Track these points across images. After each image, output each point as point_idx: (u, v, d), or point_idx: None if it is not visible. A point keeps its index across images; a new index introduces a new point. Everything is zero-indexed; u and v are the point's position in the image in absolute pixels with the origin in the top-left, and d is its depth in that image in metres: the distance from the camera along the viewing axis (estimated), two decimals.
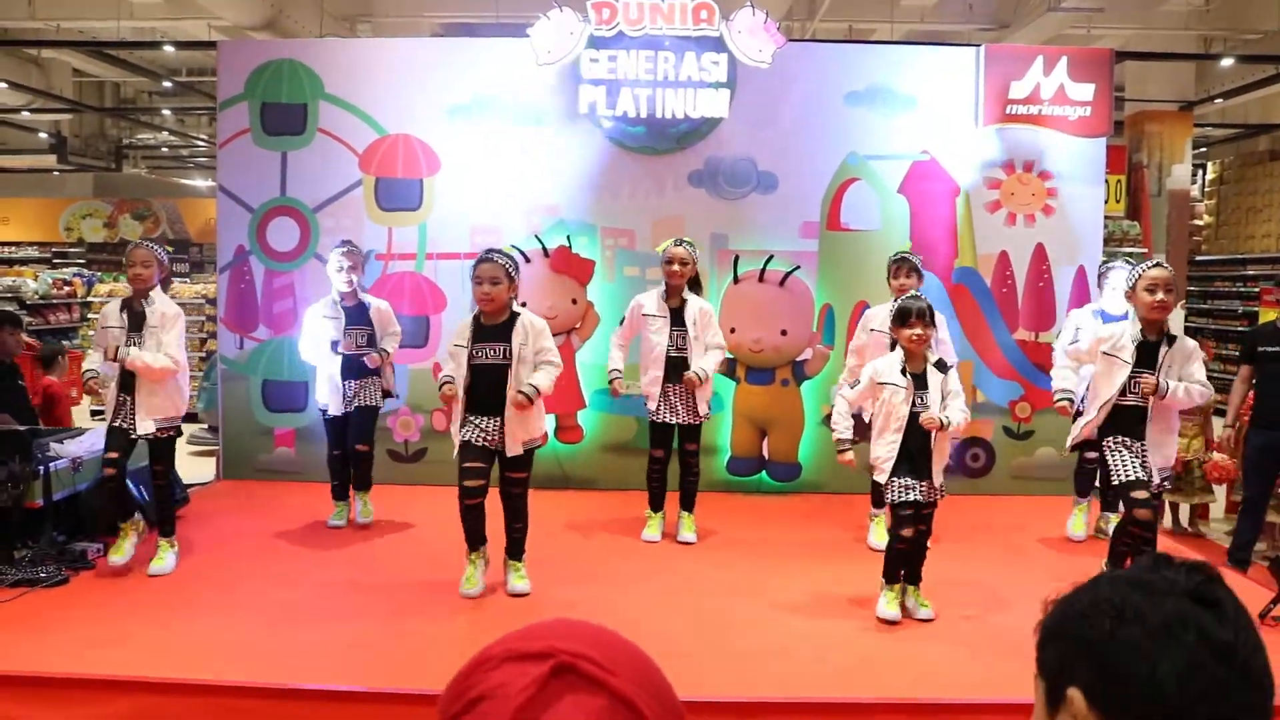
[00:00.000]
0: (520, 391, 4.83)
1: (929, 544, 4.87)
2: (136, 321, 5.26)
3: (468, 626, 4.63)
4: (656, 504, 6.14)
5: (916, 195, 7.43)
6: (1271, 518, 6.49)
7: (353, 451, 6.25)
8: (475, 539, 5.01)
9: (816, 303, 7.43)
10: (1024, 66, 7.35)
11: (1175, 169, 11.91)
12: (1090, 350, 4.84)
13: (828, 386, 7.44)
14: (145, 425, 5.23)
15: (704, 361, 5.90)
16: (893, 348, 4.83)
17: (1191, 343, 4.81)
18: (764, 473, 7.49)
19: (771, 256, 7.33)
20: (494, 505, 5.01)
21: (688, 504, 6.13)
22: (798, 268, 7.36)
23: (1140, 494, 4.63)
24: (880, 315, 5.78)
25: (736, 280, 7.37)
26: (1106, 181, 8.01)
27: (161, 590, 5.04)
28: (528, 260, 7.15)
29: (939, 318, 5.06)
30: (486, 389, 4.88)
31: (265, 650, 4.27)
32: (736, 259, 7.36)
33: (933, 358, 4.74)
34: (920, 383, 4.67)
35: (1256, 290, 12.81)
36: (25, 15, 11.44)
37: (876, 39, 11.66)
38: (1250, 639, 1.00)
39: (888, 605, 4.71)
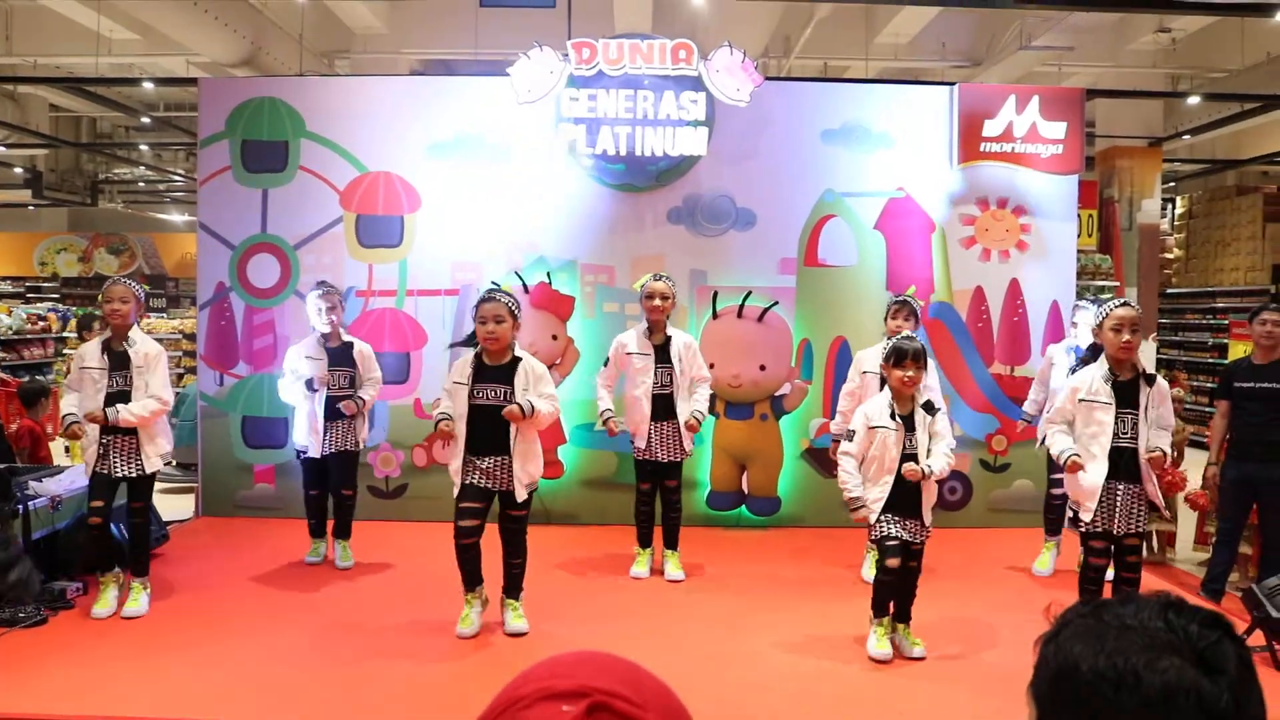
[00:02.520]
0: (516, 402, 4.79)
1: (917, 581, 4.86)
2: (118, 361, 5.22)
3: (455, 665, 4.61)
4: (645, 540, 6.15)
5: (892, 231, 7.53)
6: (1244, 549, 6.55)
7: (337, 495, 6.23)
8: (472, 579, 4.99)
9: (795, 338, 7.50)
10: (997, 105, 7.50)
11: (1145, 203, 12.12)
12: (1070, 401, 4.85)
13: (807, 421, 7.50)
14: (153, 463, 5.31)
15: (697, 405, 5.93)
16: (881, 387, 4.84)
17: (1165, 384, 4.88)
18: (744, 507, 7.52)
19: (750, 292, 7.40)
20: (488, 541, 4.97)
21: (671, 542, 6.12)
22: (776, 303, 7.42)
23: (1133, 541, 4.79)
24: (871, 357, 5.76)
25: (715, 316, 7.43)
26: (1078, 216, 8.14)
27: (143, 630, 5.00)
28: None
29: (929, 363, 5.06)
30: (487, 429, 4.86)
31: (250, 691, 4.25)
32: (715, 295, 7.42)
33: (921, 399, 4.76)
34: (909, 424, 4.69)
35: (1226, 323, 12.99)
36: (2, 51, 11.42)
37: (851, 75, 11.81)
38: (1254, 709, 0.95)
39: (878, 644, 4.71)
